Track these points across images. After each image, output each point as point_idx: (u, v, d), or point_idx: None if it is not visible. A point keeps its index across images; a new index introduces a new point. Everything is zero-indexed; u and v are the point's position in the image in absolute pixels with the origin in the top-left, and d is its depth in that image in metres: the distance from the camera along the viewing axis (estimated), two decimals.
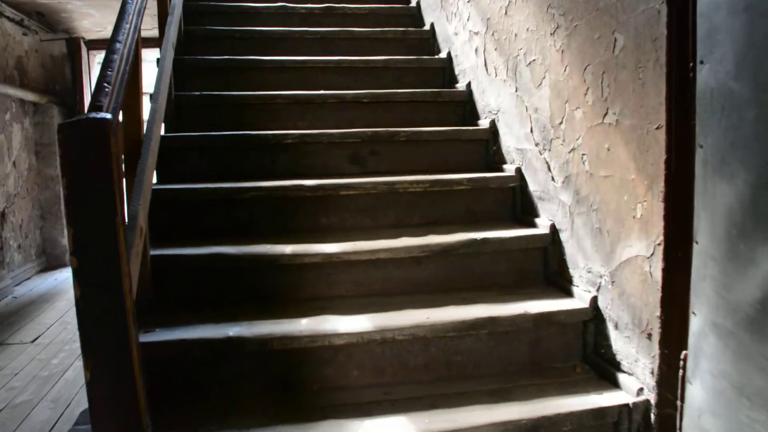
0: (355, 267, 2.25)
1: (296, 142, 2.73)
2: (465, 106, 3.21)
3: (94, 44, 7.18)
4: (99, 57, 7.22)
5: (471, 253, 2.33)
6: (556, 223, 2.37)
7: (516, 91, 2.66)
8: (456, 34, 3.39)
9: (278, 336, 1.85)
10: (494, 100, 2.90)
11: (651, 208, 1.76)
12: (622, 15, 1.85)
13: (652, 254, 1.77)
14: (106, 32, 7.07)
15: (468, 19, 3.18)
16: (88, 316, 1.12)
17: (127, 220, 1.58)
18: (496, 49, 2.86)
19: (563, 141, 2.28)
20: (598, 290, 2.06)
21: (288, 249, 2.18)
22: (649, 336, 1.79)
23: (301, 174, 2.74)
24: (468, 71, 3.23)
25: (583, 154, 2.11)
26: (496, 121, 2.89)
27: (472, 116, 3.16)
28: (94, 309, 1.12)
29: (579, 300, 2.13)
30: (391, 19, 4.05)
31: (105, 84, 1.35)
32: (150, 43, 4.59)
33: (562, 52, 2.26)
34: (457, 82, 3.38)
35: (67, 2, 5.96)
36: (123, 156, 1.76)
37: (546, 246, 2.39)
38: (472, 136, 2.92)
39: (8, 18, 5.81)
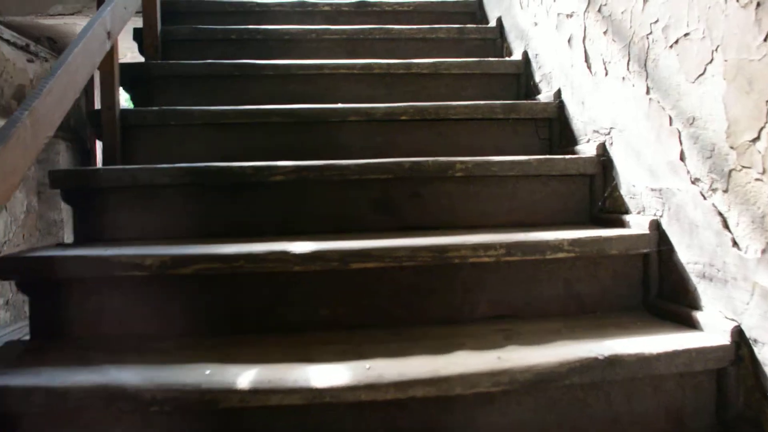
0: (375, 414, 1.21)
1: (289, 179, 1.72)
2: (553, 125, 2.16)
3: None
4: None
5: (588, 384, 1.26)
6: (744, 327, 1.28)
7: (648, 92, 1.60)
8: (536, 24, 2.35)
9: None
10: (604, 113, 1.84)
11: None
12: None
13: None
14: (126, 60, 6.36)
15: None
16: None
17: None
18: (606, 32, 1.81)
19: (762, 173, 1.20)
20: None
21: (248, 385, 1.15)
22: None
23: (294, 231, 1.73)
24: (556, 74, 2.18)
25: None
26: (607, 144, 1.83)
27: (566, 139, 2.10)
28: None
29: None
30: (442, 16, 3.05)
31: None
32: None
33: (757, 5, 1.20)
34: (538, 91, 2.34)
35: (79, 26, 5.27)
36: None
37: (725, 367, 1.30)
38: (568, 169, 1.85)
39: (7, 41, 5.10)
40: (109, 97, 1.89)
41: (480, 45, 2.75)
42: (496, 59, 2.46)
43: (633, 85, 1.67)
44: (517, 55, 2.53)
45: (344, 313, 1.49)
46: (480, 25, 2.81)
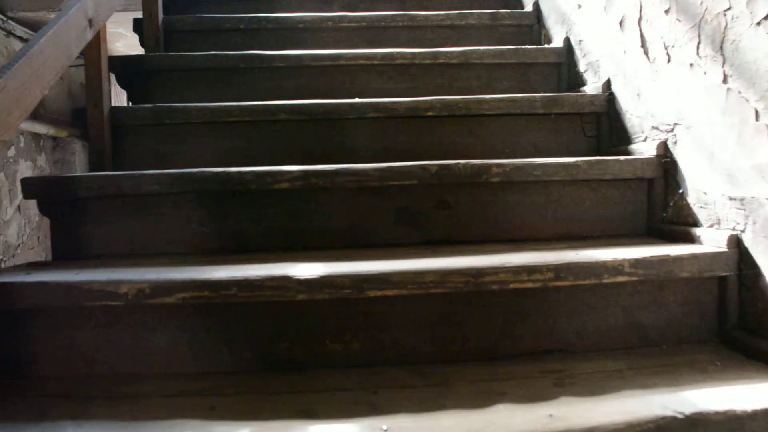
0: None
1: (295, 187, 1.47)
2: (601, 121, 1.88)
3: None
4: None
5: None
6: None
7: (725, 81, 1.32)
8: (579, 6, 2.07)
9: None
10: (665, 106, 1.56)
11: None
12: None
13: None
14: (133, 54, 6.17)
15: None
16: None
17: None
18: (668, 11, 1.53)
19: None
20: None
21: None
22: None
23: (301, 246, 1.49)
24: (605, 63, 1.90)
25: None
26: (670, 143, 1.55)
27: (617, 137, 1.82)
28: None
29: None
30: (472, 2, 2.78)
31: None
32: None
33: None
34: (582, 82, 2.06)
35: None
36: None
37: None
38: (623, 172, 1.58)
39: (20, 38, 4.95)
40: (96, 94, 1.67)
41: (515, 32, 2.48)
42: (534, 47, 2.18)
43: (705, 73, 1.39)
44: (557, 42, 2.25)
45: (359, 348, 1.24)
46: (515, 10, 2.53)
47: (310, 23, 2.41)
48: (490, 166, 1.51)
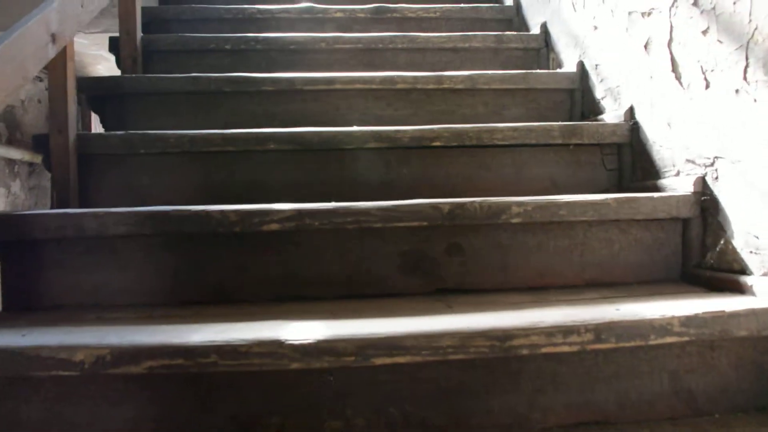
0: None
1: (287, 228, 1.28)
2: (623, 152, 1.71)
3: None
4: None
5: None
6: None
7: None
8: (596, 27, 1.91)
9: None
10: (703, 137, 1.39)
11: None
12: None
13: None
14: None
15: None
16: None
17: None
18: (706, 32, 1.37)
19: None
20: None
21: None
22: None
23: (294, 295, 1.29)
24: (627, 88, 1.73)
25: None
26: (709, 179, 1.38)
27: (641, 170, 1.65)
28: None
29: None
30: (474, 24, 2.62)
31: None
32: None
33: None
34: (599, 110, 1.89)
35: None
36: None
37: None
38: (656, 211, 1.40)
39: None
40: (60, 118, 1.48)
41: (521, 56, 2.32)
42: (546, 71, 2.02)
43: (755, 100, 1.22)
44: (569, 67, 2.09)
45: (364, 425, 1.04)
46: (522, 33, 2.37)
47: (303, 44, 2.23)
48: (509, 204, 1.33)
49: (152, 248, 1.30)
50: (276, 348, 0.98)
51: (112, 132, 1.62)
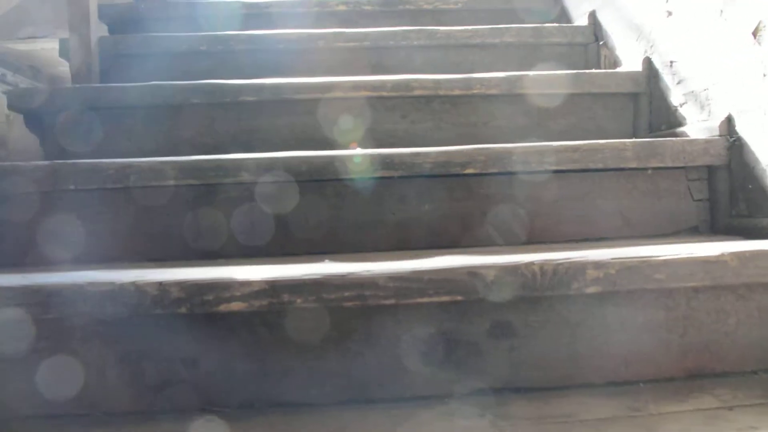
0: None
1: (255, 308, 0.85)
2: (718, 178, 1.28)
3: None
4: None
5: None
6: None
7: None
8: (670, 13, 1.47)
9: None
10: None
11: None
12: None
13: None
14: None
15: None
16: None
17: None
18: None
19: None
20: None
21: None
22: None
23: (270, 404, 0.86)
24: (720, 93, 1.30)
25: None
26: None
27: (747, 202, 1.22)
28: None
29: None
30: (502, 16, 2.19)
31: None
32: None
33: None
34: (677, 121, 1.46)
35: (56, 50, 4.51)
36: None
37: None
38: None
39: None
40: None
41: (565, 53, 1.88)
42: (603, 71, 1.59)
43: None
44: (630, 65, 1.65)
45: None
46: (565, 25, 1.94)
47: (296, 42, 1.82)
48: (584, 265, 0.90)
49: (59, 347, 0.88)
50: None
51: (33, 163, 1.20)
